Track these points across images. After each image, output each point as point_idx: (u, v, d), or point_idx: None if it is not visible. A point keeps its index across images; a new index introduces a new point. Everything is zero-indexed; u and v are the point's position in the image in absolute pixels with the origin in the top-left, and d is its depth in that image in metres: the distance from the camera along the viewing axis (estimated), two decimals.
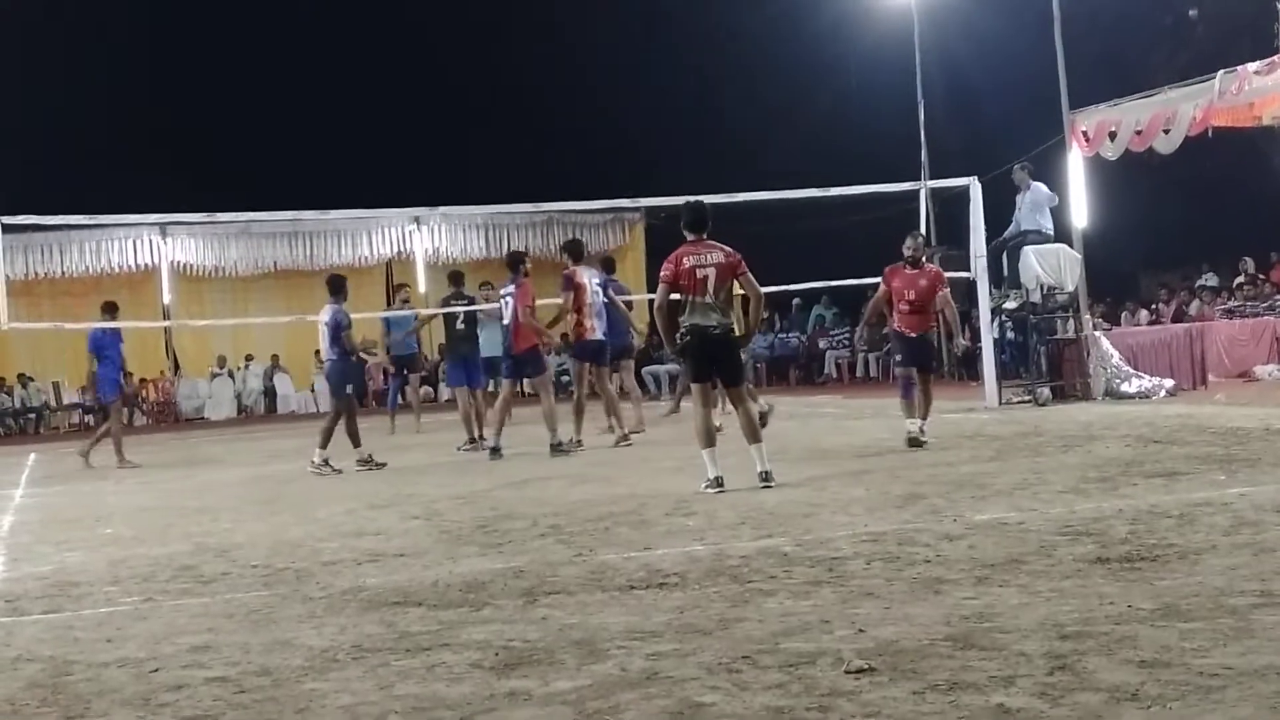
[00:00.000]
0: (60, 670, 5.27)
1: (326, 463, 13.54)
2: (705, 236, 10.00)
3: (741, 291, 10.43)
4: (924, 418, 12.27)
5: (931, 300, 12.56)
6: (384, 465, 13.72)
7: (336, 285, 14.35)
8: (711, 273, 9.79)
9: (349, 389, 14.17)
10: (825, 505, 8.52)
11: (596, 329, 14.54)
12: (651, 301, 14.74)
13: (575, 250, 15.12)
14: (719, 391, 11.35)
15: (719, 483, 9.57)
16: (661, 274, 10.04)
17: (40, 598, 7.03)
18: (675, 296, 9.98)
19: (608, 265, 17.42)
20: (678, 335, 9.99)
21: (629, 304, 15.73)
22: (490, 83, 37.05)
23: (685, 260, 9.84)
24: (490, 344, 15.51)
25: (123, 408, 18.00)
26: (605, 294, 14.78)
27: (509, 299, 14.29)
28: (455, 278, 17.42)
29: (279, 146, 34.33)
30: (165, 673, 5.10)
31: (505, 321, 14.37)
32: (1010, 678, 4.25)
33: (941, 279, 12.74)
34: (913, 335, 12.55)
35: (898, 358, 13.12)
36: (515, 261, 14.91)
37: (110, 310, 17.36)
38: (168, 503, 11.76)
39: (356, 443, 13.84)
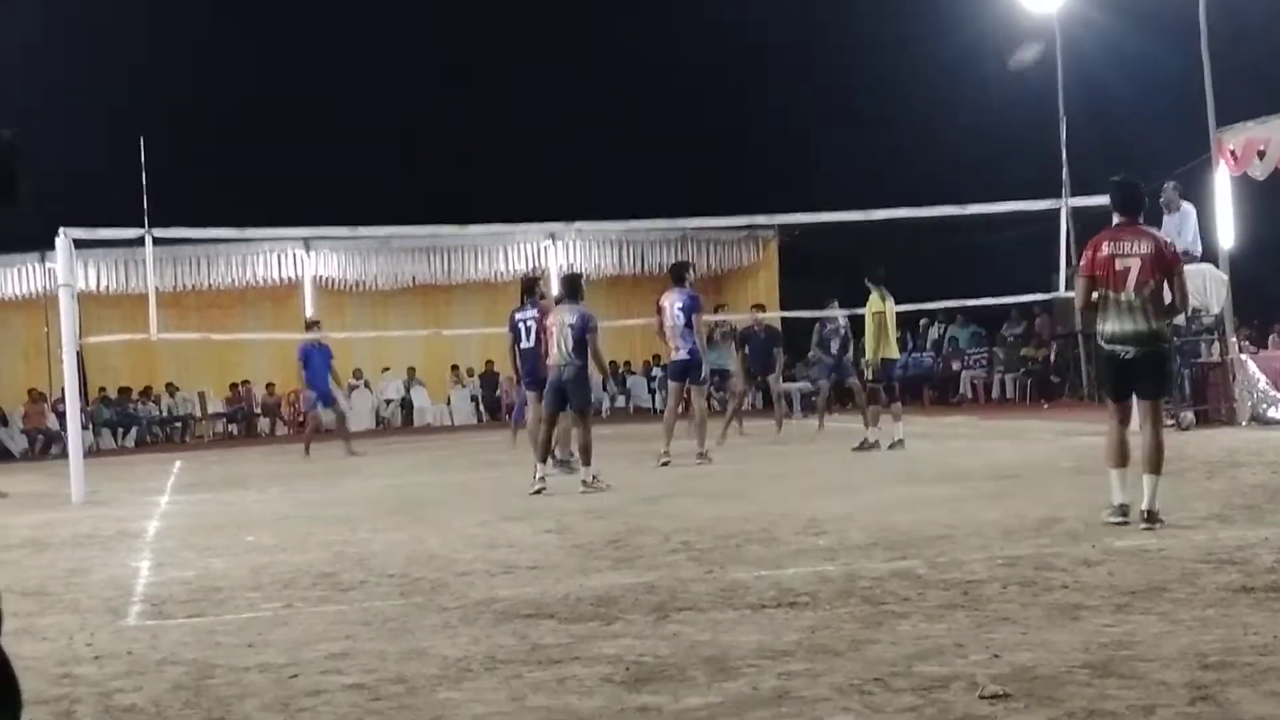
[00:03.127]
0: (203, 673, 5.41)
1: (596, 479, 12.32)
2: (1140, 220, 8.42)
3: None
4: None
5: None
6: (608, 487, 12.22)
7: (573, 285, 13.09)
8: (1134, 264, 8.11)
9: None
10: (959, 527, 8.42)
11: (681, 349, 14.77)
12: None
13: (676, 272, 15.44)
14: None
15: (1123, 511, 8.15)
16: (1080, 265, 8.62)
17: (184, 602, 7.23)
18: (1095, 294, 8.29)
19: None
20: (1096, 343, 8.61)
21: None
22: (625, 99, 37.27)
23: (1104, 247, 8.24)
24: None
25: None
26: (689, 316, 14.71)
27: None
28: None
29: (419, 162, 34.93)
30: (304, 678, 5.21)
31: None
32: (1150, 707, 4.16)
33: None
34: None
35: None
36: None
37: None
38: (308, 512, 11.98)
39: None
